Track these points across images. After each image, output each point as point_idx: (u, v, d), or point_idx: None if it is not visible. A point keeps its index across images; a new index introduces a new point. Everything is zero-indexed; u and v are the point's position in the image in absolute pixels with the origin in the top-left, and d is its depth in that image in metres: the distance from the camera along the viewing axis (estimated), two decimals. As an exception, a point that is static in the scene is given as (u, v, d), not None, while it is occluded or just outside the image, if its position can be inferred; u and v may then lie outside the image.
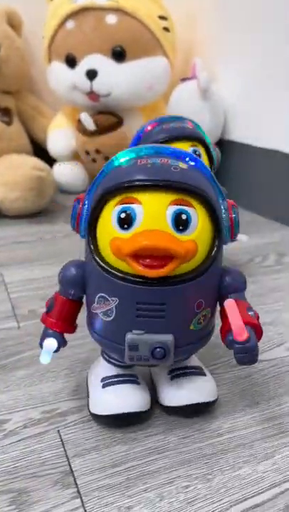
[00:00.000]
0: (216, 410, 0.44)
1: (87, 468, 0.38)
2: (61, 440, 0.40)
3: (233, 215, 0.38)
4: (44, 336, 0.42)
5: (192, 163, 0.37)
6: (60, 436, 0.41)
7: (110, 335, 0.39)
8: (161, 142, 0.57)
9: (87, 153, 1.13)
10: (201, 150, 0.59)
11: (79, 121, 1.11)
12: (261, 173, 1.03)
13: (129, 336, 0.37)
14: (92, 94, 1.08)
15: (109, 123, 1.11)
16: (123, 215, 0.35)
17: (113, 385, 0.42)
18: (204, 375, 0.44)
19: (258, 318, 0.39)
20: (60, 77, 1.13)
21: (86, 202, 0.38)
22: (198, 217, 0.36)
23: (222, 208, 0.38)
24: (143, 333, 0.37)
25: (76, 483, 0.36)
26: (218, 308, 0.40)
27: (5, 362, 0.51)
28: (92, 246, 0.37)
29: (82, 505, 0.35)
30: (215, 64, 1.13)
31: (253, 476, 0.37)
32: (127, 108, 1.12)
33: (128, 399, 0.41)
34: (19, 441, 0.40)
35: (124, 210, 0.35)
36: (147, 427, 0.42)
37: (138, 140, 0.61)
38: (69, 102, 1.16)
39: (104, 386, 0.42)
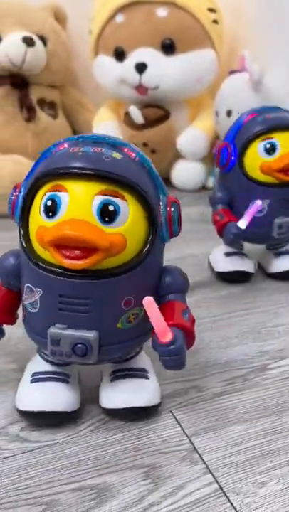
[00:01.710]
0: None
1: (208, 446, 0.39)
2: (176, 420, 0.41)
3: (172, 212, 0.36)
4: None
5: (131, 155, 0.36)
6: (174, 416, 0.42)
7: (36, 328, 0.38)
8: (264, 132, 0.58)
9: (134, 146, 1.14)
10: None
11: (126, 114, 1.12)
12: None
13: (51, 330, 0.36)
14: (140, 88, 1.09)
15: (157, 116, 1.11)
16: (49, 203, 0.34)
17: (41, 381, 0.40)
18: (146, 378, 0.41)
19: (193, 322, 0.38)
20: (107, 71, 1.14)
21: (22, 189, 0.37)
22: (129, 210, 0.34)
23: (160, 203, 0.36)
24: (65, 327, 0.36)
25: (203, 460, 0.37)
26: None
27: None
28: (22, 234, 0.36)
29: (216, 480, 0.36)
30: (261, 55, 1.13)
31: None
32: (174, 101, 1.13)
33: (53, 397, 0.39)
34: (134, 420, 0.41)
35: (50, 198, 0.34)
36: (257, 409, 0.43)
37: (237, 131, 0.62)
38: (115, 95, 1.17)
39: (32, 381, 0.40)
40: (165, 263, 0.40)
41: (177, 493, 0.35)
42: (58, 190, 0.34)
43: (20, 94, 1.13)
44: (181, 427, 0.41)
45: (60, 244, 0.33)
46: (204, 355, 0.50)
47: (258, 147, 0.59)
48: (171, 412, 0.42)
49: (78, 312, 0.35)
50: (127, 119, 1.12)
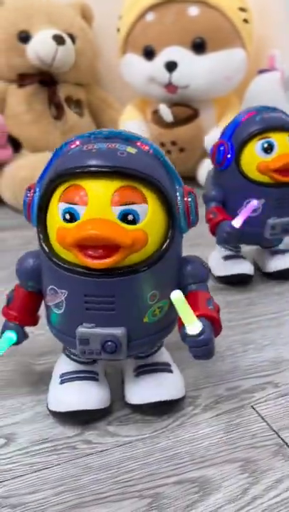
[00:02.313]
0: None
1: (298, 440, 0.39)
2: (259, 415, 0.42)
3: (189, 202, 0.36)
4: (4, 328, 0.41)
5: (145, 148, 0.35)
6: (256, 411, 0.42)
7: (63, 328, 0.38)
8: (261, 131, 0.57)
9: (163, 144, 1.14)
10: None
11: (154, 112, 1.12)
12: None
13: (79, 330, 0.36)
14: (170, 86, 1.09)
15: (186, 115, 1.12)
16: (68, 216, 0.34)
17: (71, 381, 0.40)
18: (170, 371, 0.42)
19: (218, 310, 0.38)
20: (135, 70, 1.14)
21: (37, 189, 0.37)
22: (148, 206, 0.34)
23: (177, 194, 0.36)
24: (93, 326, 0.36)
25: (296, 454, 0.38)
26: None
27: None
28: (41, 235, 0.36)
29: (314, 474, 0.36)
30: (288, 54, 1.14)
31: None
32: (202, 100, 1.13)
33: (84, 396, 0.39)
34: (218, 415, 0.42)
35: (67, 211, 0.34)
36: None
37: (234, 129, 0.61)
38: (144, 94, 1.17)
39: (62, 382, 0.41)
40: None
41: (278, 486, 0.35)
42: (74, 203, 0.33)
43: (49, 92, 1.13)
44: (266, 422, 0.41)
45: (83, 245, 0.33)
46: (272, 351, 0.50)
47: (255, 146, 0.58)
48: (252, 407, 0.43)
49: (105, 310, 0.35)
50: (156, 118, 1.13)
